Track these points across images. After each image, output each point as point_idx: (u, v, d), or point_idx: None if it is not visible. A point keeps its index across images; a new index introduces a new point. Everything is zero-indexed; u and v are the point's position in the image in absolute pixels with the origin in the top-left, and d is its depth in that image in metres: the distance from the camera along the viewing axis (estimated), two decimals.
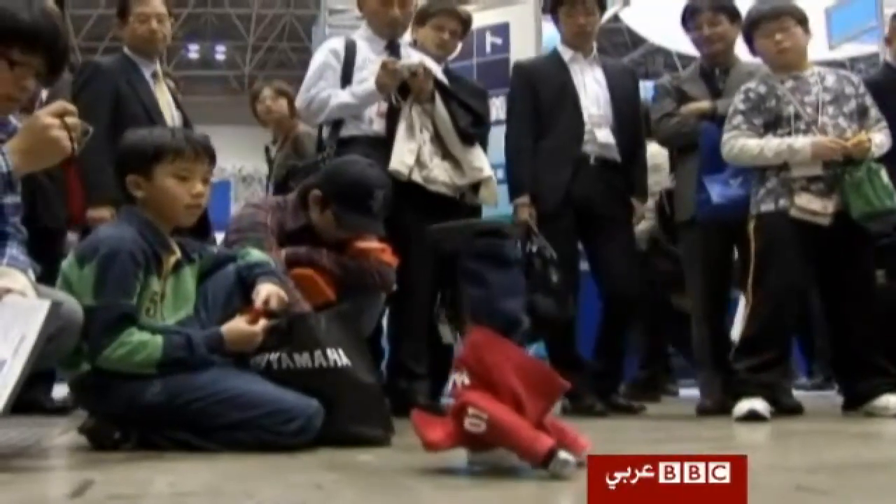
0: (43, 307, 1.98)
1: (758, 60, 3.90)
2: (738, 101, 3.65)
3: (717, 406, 3.74)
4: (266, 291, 2.52)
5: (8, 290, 2.02)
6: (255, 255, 2.71)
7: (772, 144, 3.53)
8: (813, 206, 3.46)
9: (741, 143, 3.58)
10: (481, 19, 5.63)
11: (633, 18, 7.80)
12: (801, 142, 3.48)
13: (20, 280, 2.10)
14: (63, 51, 2.26)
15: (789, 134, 3.54)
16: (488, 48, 5.90)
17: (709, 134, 3.79)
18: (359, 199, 3.16)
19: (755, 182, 3.62)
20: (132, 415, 2.37)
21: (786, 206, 3.50)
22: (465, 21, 4.29)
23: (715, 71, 4.02)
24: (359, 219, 3.17)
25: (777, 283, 3.48)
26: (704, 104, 3.89)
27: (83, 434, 2.45)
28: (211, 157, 2.58)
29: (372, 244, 3.31)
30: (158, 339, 2.34)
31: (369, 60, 3.87)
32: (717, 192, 3.70)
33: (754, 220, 3.59)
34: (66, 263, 2.42)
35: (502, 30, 5.79)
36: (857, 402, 3.59)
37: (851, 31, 6.99)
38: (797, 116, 3.55)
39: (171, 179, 2.46)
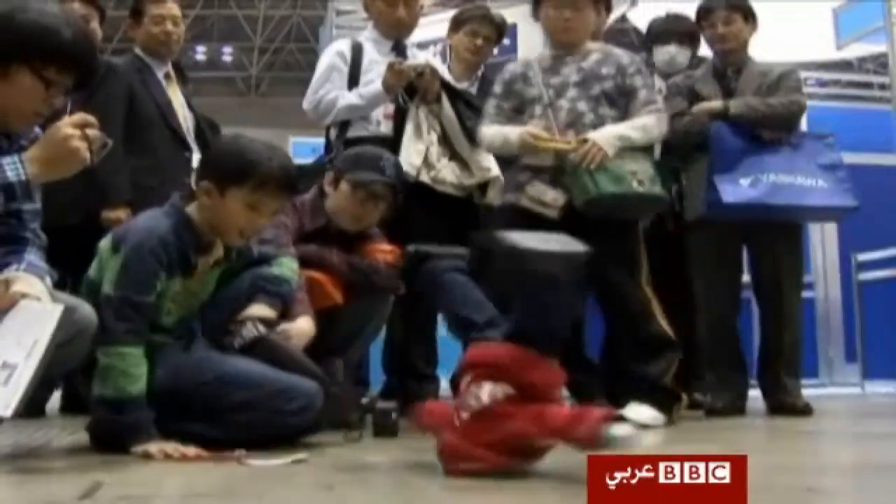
0: (56, 312, 1.99)
1: (772, 60, 3.87)
2: (496, 83, 3.58)
3: (726, 407, 3.73)
4: (246, 314, 2.54)
5: (24, 295, 2.04)
6: (283, 267, 2.71)
7: (499, 135, 3.43)
8: (545, 196, 3.35)
9: (482, 131, 3.51)
10: None
11: (641, 19, 7.79)
12: (514, 133, 3.36)
13: (36, 285, 2.11)
14: (96, 69, 2.27)
15: (530, 118, 3.43)
16: (496, 49, 5.90)
17: (719, 133, 3.77)
18: (370, 160, 3.23)
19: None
20: None
21: (510, 200, 3.43)
22: (500, 26, 4.28)
23: (727, 70, 4.00)
24: (371, 175, 3.18)
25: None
26: (716, 104, 3.87)
27: (89, 431, 2.45)
28: (294, 193, 2.57)
29: (381, 246, 3.31)
30: (134, 390, 2.26)
31: (375, 62, 3.89)
32: (727, 191, 3.68)
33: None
34: (105, 242, 2.43)
35: (510, 30, 5.79)
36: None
37: (859, 32, 6.96)
38: (537, 99, 3.44)
39: (240, 206, 2.40)
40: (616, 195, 3.26)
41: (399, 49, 4.01)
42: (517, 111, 3.48)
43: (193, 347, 2.51)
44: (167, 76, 3.98)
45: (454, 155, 3.83)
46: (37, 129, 2.24)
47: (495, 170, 3.85)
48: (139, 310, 2.30)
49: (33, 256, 2.22)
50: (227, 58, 21.41)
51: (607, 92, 3.43)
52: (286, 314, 2.72)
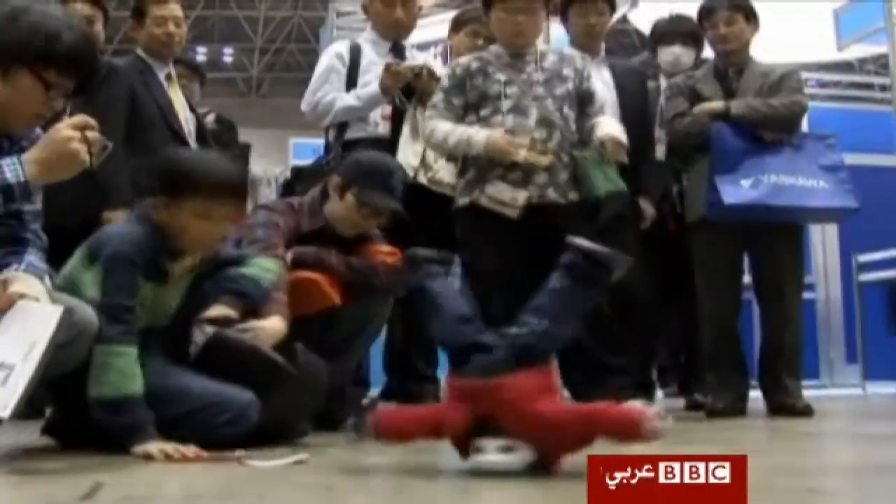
0: (55, 314, 1.99)
1: (773, 61, 3.85)
2: (445, 77, 3.56)
3: (727, 408, 3.72)
4: (202, 316, 2.56)
5: (22, 295, 2.03)
6: (254, 267, 2.70)
7: (456, 133, 3.41)
8: (503, 195, 3.34)
9: (432, 125, 3.47)
10: None
11: (641, 20, 7.81)
12: (479, 136, 3.35)
13: (35, 286, 2.11)
14: (97, 72, 2.27)
15: (491, 115, 3.42)
16: None
17: (720, 134, 3.77)
18: (380, 177, 3.18)
19: (457, 173, 3.57)
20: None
21: (476, 198, 3.40)
22: None
23: (729, 71, 3.99)
24: (380, 196, 3.16)
25: (478, 283, 3.31)
26: (717, 104, 3.86)
27: (47, 433, 2.47)
28: (243, 198, 2.57)
29: (380, 247, 3.30)
30: (132, 390, 2.29)
31: (374, 63, 3.89)
32: (728, 192, 3.67)
33: (454, 215, 3.51)
34: (79, 253, 2.44)
35: None
36: None
37: (860, 33, 6.97)
38: (504, 95, 3.42)
39: (192, 215, 2.42)
40: (624, 192, 3.41)
41: (397, 50, 4.01)
42: (472, 107, 3.46)
43: (143, 354, 2.47)
44: (168, 77, 3.98)
45: (451, 156, 3.83)
46: (38, 130, 2.24)
47: None
48: (130, 311, 2.32)
49: (33, 257, 2.23)
50: (228, 58, 21.41)
51: (570, 93, 3.49)
52: (258, 313, 2.72)
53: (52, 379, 2.28)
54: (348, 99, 3.83)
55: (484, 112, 3.43)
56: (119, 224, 2.51)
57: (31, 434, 2.61)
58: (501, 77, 3.44)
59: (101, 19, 4.16)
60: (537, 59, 3.50)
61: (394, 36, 4.02)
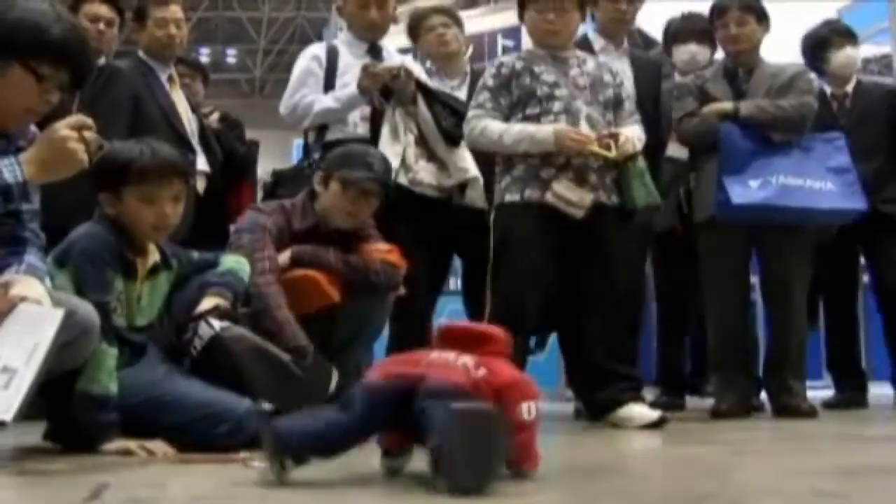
0: (57, 316, 2.00)
1: (783, 61, 3.84)
2: (488, 76, 3.52)
3: (732, 409, 3.72)
4: (197, 311, 2.59)
5: (23, 298, 2.04)
6: (225, 264, 2.76)
7: (513, 131, 3.37)
8: (571, 195, 3.31)
9: (483, 124, 3.43)
10: (492, 22, 5.62)
11: (646, 20, 7.81)
12: (544, 131, 3.31)
13: (36, 288, 2.12)
14: (89, 65, 2.28)
15: (540, 115, 3.39)
16: (499, 51, 5.89)
17: (729, 134, 3.76)
18: (358, 157, 3.23)
19: (500, 170, 3.50)
20: None
21: (532, 197, 3.35)
22: (449, 12, 4.29)
23: (738, 71, 3.98)
24: (362, 172, 3.18)
25: (513, 282, 3.32)
26: (726, 105, 3.84)
27: (48, 439, 2.50)
28: (183, 175, 2.60)
29: (378, 246, 3.30)
30: (114, 391, 2.36)
31: (351, 65, 3.88)
32: (736, 192, 3.66)
33: (494, 211, 3.47)
34: (49, 260, 2.45)
35: (514, 33, 5.78)
36: (598, 412, 3.42)
37: (863, 33, 6.94)
38: (551, 97, 3.40)
39: (137, 202, 2.49)
40: (659, 204, 3.56)
41: (375, 51, 4.00)
42: (517, 105, 3.43)
43: (143, 362, 2.54)
44: (170, 79, 3.98)
45: (432, 156, 3.81)
46: (35, 130, 2.25)
47: (473, 170, 3.81)
48: (104, 308, 2.33)
49: (33, 258, 2.23)
50: (231, 59, 21.43)
51: (609, 99, 3.49)
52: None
53: (51, 379, 2.31)
54: (326, 101, 3.83)
55: (531, 111, 3.40)
56: (80, 227, 2.55)
57: (35, 435, 2.61)
58: (550, 78, 3.43)
59: (117, 23, 4.17)
60: (580, 64, 3.50)
61: (369, 37, 4.01)
